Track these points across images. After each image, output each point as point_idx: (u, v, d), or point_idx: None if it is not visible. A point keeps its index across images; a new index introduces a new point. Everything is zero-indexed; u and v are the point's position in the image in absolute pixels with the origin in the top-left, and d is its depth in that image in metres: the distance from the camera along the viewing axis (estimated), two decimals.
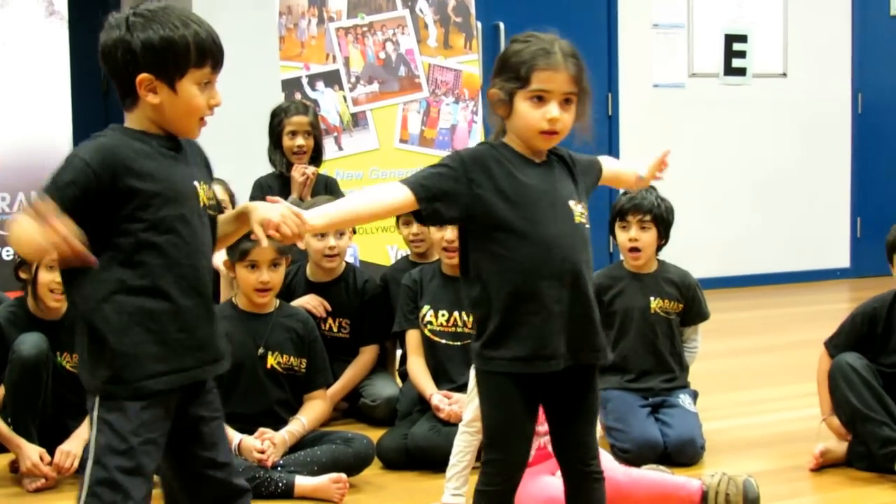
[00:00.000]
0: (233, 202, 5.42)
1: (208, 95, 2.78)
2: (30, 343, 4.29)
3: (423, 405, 4.70)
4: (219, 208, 2.93)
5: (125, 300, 2.62)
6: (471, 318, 4.60)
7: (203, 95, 2.76)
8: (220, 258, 4.91)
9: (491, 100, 3.05)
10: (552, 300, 2.89)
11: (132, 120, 2.76)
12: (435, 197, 2.91)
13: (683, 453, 4.47)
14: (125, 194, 2.61)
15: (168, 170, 2.70)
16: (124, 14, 2.75)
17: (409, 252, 5.50)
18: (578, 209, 2.99)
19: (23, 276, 4.45)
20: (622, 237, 4.73)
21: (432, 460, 4.41)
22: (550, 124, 2.93)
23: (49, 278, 4.36)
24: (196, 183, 2.77)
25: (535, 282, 2.88)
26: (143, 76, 2.70)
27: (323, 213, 2.92)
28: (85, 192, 2.57)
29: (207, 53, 2.79)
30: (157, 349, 2.63)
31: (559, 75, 2.94)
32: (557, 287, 2.89)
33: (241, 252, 4.34)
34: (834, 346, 4.58)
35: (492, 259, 2.91)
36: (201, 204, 2.77)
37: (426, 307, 4.80)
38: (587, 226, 3.01)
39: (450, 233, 4.63)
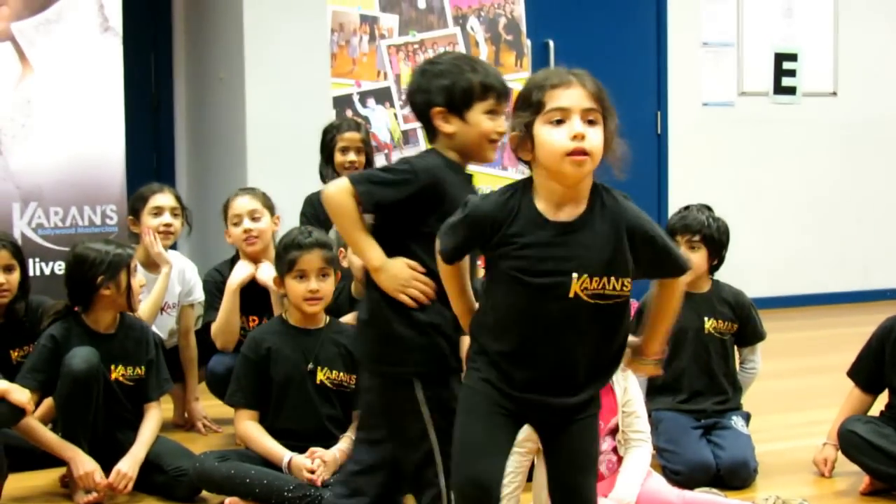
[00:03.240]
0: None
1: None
2: (81, 357, 4.29)
3: None
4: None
5: None
6: None
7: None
8: (269, 275, 4.89)
9: (512, 144, 2.84)
10: None
11: None
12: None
13: (736, 476, 4.40)
14: None
15: None
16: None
17: None
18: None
19: (107, 292, 4.44)
20: None
21: None
22: (576, 142, 2.72)
23: (135, 284, 4.51)
24: None
25: None
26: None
27: None
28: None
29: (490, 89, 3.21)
30: None
31: (574, 91, 2.76)
32: None
33: (288, 262, 4.31)
34: (856, 374, 4.56)
35: None
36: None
37: None
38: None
39: None
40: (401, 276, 3.17)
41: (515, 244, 2.78)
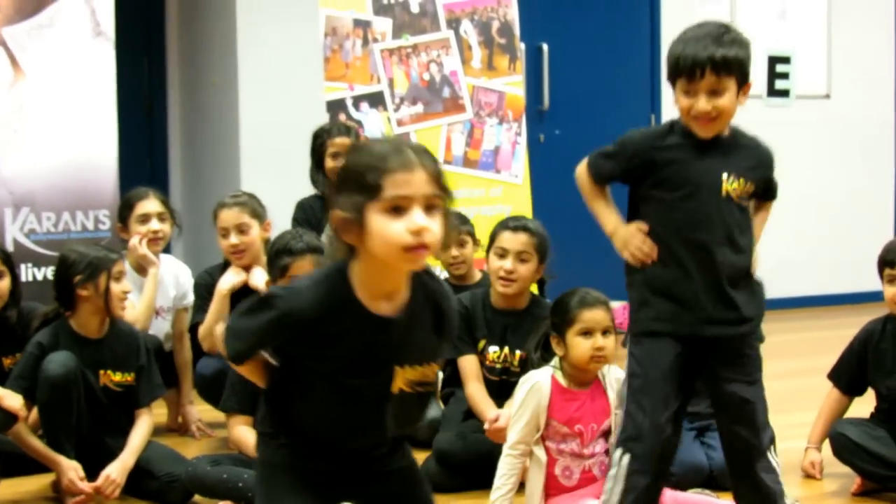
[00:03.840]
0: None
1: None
2: (57, 362, 4.28)
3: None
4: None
5: None
6: (517, 357, 4.56)
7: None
8: (261, 280, 4.89)
9: (334, 224, 2.52)
10: None
11: None
12: None
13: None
14: None
15: None
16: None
17: (447, 274, 5.43)
18: None
19: (84, 293, 4.42)
20: None
21: (455, 466, 4.42)
22: (416, 237, 2.42)
23: (119, 289, 4.43)
24: None
25: None
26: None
27: None
28: None
29: None
30: None
31: (417, 176, 2.44)
32: None
33: (281, 268, 4.31)
34: (837, 376, 4.59)
35: None
36: None
37: (483, 340, 4.67)
38: None
39: (510, 263, 4.55)
40: (628, 239, 3.39)
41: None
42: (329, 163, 5.77)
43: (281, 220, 5.51)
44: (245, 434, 4.31)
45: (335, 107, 6.44)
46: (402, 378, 2.61)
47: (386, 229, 2.42)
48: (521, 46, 7.00)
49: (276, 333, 2.59)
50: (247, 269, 5.12)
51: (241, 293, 5.06)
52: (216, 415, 5.12)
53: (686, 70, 3.35)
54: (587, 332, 3.75)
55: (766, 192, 3.61)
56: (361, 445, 2.69)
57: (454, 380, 4.81)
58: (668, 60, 3.44)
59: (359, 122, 6.38)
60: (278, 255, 4.34)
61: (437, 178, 2.49)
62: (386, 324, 2.55)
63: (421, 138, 6.54)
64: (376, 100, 6.53)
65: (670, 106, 9.01)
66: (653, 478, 3.40)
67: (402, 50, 6.59)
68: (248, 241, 5.11)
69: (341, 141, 5.79)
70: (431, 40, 6.67)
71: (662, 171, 3.39)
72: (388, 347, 2.58)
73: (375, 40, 6.53)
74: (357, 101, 6.49)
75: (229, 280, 5.09)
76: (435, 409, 5.05)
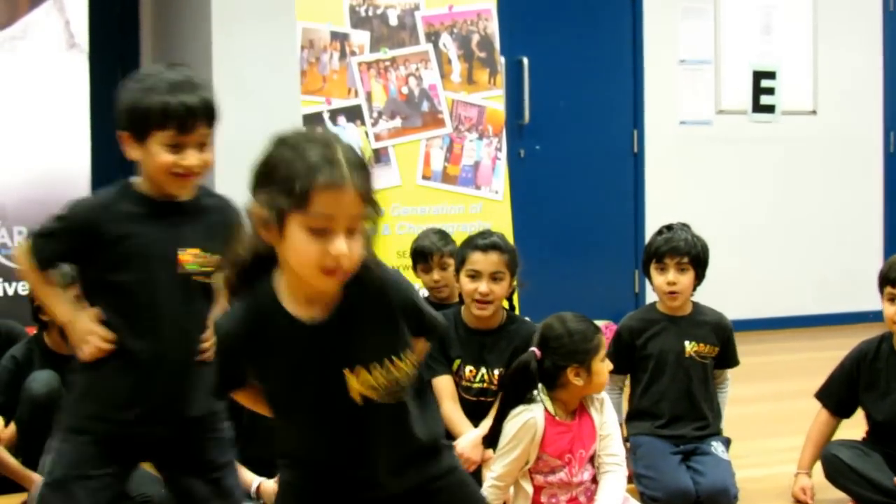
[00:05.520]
0: None
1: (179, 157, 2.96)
2: (41, 381, 4.30)
3: None
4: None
5: None
6: (496, 376, 4.54)
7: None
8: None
9: (254, 220, 2.44)
10: None
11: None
12: None
13: (716, 502, 4.39)
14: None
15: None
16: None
17: (427, 293, 5.39)
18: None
19: (43, 318, 4.42)
20: (659, 280, 4.65)
21: None
22: (335, 261, 2.37)
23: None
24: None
25: None
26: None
27: None
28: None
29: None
30: None
31: (346, 197, 2.36)
32: None
33: None
34: (826, 396, 4.59)
35: None
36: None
37: (458, 360, 4.63)
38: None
39: (484, 285, 4.53)
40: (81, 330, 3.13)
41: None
42: None
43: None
44: None
45: (312, 120, 6.43)
46: (361, 384, 2.50)
47: (305, 248, 2.37)
48: (502, 60, 7.00)
49: (228, 361, 2.58)
50: None
51: None
52: None
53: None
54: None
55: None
56: (359, 472, 2.59)
57: None
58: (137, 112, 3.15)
59: None
60: None
61: (366, 196, 2.41)
62: (313, 329, 2.48)
63: (399, 153, 6.53)
64: (354, 114, 6.52)
65: (653, 120, 9.02)
66: None
67: (381, 63, 6.59)
68: None
69: None
70: (410, 53, 6.66)
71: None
72: (324, 353, 2.49)
73: (353, 53, 6.52)
74: (334, 114, 6.48)
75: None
76: None
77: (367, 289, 2.50)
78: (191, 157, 3.10)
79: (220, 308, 3.06)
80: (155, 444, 3.15)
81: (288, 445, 2.65)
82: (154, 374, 3.10)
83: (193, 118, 3.06)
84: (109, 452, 3.09)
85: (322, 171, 2.35)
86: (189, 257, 3.10)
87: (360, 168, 2.40)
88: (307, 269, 2.39)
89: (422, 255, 5.28)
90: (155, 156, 3.09)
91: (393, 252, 6.22)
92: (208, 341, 3.09)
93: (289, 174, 2.36)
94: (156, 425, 3.12)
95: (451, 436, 4.59)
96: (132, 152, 3.14)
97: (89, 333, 3.08)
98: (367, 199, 2.40)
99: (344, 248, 2.35)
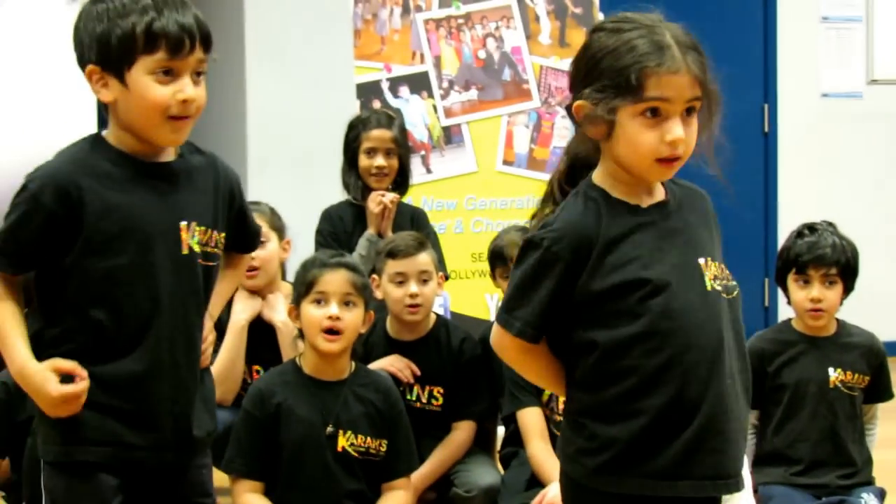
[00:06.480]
0: (280, 234, 5.35)
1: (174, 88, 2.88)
2: None
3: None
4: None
5: None
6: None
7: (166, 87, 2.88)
8: (279, 311, 4.92)
9: (578, 115, 2.75)
10: None
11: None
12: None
13: None
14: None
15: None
16: None
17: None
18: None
19: None
20: (799, 295, 4.61)
21: None
22: (671, 148, 2.68)
23: None
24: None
25: None
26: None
27: None
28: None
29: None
30: None
31: (680, 78, 2.68)
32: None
33: (306, 284, 4.33)
34: None
35: None
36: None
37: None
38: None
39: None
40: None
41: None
42: (364, 161, 5.67)
43: (299, 238, 5.43)
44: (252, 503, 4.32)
45: (367, 91, 6.45)
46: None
47: (640, 138, 2.68)
48: (601, 17, 7.00)
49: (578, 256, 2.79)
50: (261, 293, 5.12)
51: (252, 331, 5.05)
52: (220, 477, 5.12)
53: None
54: None
55: None
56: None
57: (516, 438, 4.81)
58: None
59: (398, 111, 6.35)
60: (305, 269, 4.40)
61: (702, 79, 2.71)
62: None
63: (475, 132, 6.54)
64: (419, 83, 6.54)
65: (789, 93, 8.93)
66: None
67: (452, 21, 6.61)
68: (264, 257, 5.08)
69: (380, 134, 5.67)
70: (489, 9, 6.68)
71: None
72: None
73: (419, 9, 6.55)
74: (395, 84, 6.51)
75: (244, 310, 5.06)
76: (493, 474, 5.05)
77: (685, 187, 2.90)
78: (190, 89, 2.93)
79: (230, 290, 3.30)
80: (161, 472, 3.10)
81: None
82: (154, 390, 2.99)
83: (191, 37, 2.90)
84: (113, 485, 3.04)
85: (655, 56, 2.67)
86: (193, 234, 3.02)
87: (693, 49, 2.72)
88: (643, 161, 2.70)
89: (502, 259, 5.29)
90: (143, 90, 2.90)
91: (466, 254, 6.19)
92: (207, 342, 3.12)
93: (617, 63, 2.68)
94: (164, 451, 3.06)
95: (536, 481, 4.62)
96: (105, 92, 2.96)
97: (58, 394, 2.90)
98: (703, 82, 2.71)
99: (681, 133, 2.67)
